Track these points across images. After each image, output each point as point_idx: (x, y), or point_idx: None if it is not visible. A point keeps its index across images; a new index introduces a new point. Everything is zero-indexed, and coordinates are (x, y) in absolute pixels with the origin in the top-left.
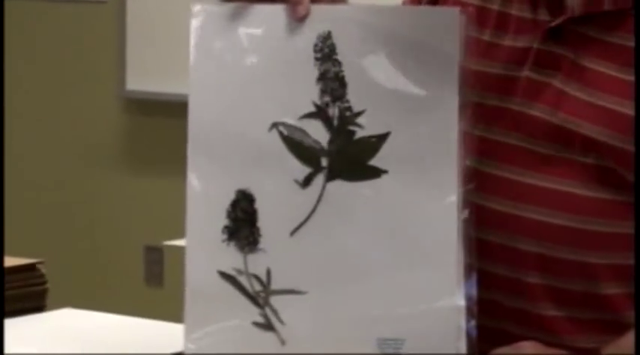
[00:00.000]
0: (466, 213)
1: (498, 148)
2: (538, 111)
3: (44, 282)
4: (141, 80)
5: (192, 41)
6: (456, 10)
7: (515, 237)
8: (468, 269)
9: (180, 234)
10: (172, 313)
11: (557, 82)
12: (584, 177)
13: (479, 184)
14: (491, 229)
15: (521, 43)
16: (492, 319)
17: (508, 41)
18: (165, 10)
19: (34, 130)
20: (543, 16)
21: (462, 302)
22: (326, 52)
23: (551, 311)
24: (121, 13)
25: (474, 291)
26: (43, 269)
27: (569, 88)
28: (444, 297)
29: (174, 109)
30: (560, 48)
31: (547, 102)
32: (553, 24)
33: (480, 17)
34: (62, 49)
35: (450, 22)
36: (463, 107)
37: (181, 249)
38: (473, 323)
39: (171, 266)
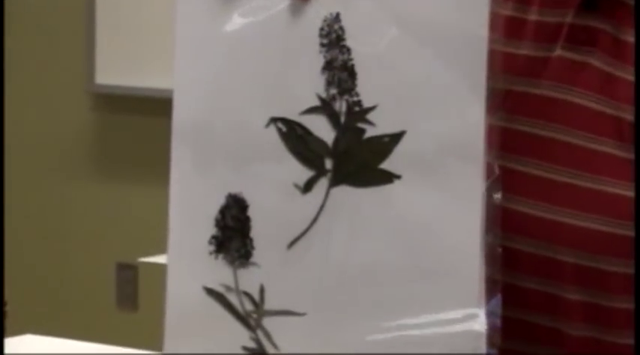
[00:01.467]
0: (489, 218)
1: (527, 141)
2: (575, 97)
3: (3, 305)
4: (112, 73)
5: (177, 24)
6: None
7: (549, 246)
8: (492, 286)
9: (157, 249)
10: (148, 339)
11: (595, 61)
12: (632, 175)
13: (504, 184)
14: (520, 236)
15: (550, 17)
16: (522, 341)
17: (534, 15)
18: None
19: None
20: None
21: (483, 324)
22: (333, 37)
23: (591, 333)
24: (90, 1)
25: (498, 310)
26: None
27: (612, 68)
28: (464, 320)
29: (151, 106)
30: (597, 21)
31: (586, 85)
32: None
33: None
34: (23, 39)
35: (478, 2)
36: (489, 97)
37: (158, 266)
38: (497, 346)
39: (147, 287)
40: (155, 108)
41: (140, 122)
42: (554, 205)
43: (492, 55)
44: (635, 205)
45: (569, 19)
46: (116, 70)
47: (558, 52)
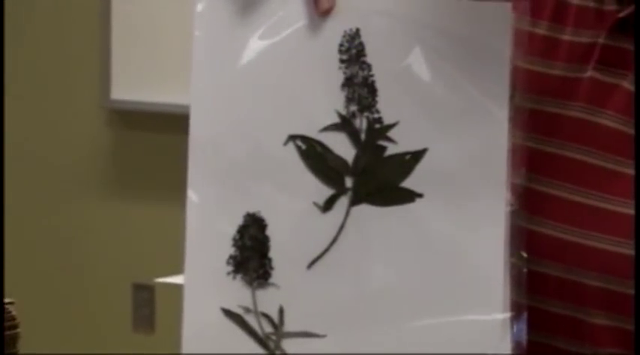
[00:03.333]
0: (514, 239)
1: (556, 163)
2: (606, 119)
3: (15, 326)
4: (127, 88)
5: (194, 41)
6: (508, 5)
7: (576, 270)
8: (517, 310)
9: (174, 270)
10: None
11: (627, 84)
12: None
13: (531, 206)
14: (547, 260)
15: (584, 37)
16: None
17: (568, 36)
18: (154, 9)
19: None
20: (610, 5)
21: (509, 347)
22: (353, 52)
23: None
24: (105, 13)
25: (523, 336)
26: (14, 311)
27: None
28: (487, 344)
29: (168, 122)
30: (630, 43)
31: (617, 108)
32: (622, 14)
33: (533, 6)
34: (38, 53)
35: (501, 19)
36: (514, 115)
37: (175, 287)
38: None
39: (164, 308)
40: (172, 124)
41: (157, 138)
42: (581, 229)
43: (521, 73)
44: (635, 212)
45: (602, 40)
46: (132, 85)
47: (590, 73)
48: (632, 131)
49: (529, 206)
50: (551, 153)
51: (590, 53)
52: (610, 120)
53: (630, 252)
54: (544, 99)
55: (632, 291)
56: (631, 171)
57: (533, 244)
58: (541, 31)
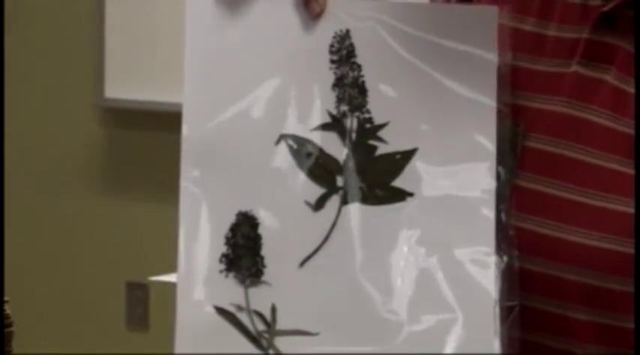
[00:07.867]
0: (505, 238)
1: (538, 158)
2: (589, 114)
3: (9, 325)
4: (121, 87)
5: (186, 40)
6: (494, 8)
7: (559, 265)
8: (509, 309)
9: (168, 268)
10: None
11: (611, 78)
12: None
13: (514, 201)
14: (530, 255)
15: (568, 33)
16: None
17: (553, 31)
18: (148, 8)
19: None
20: (595, 0)
21: (498, 348)
22: (344, 53)
23: None
24: (99, 12)
25: (515, 334)
26: (8, 310)
27: (626, 86)
28: (479, 345)
29: (161, 120)
30: (613, 37)
31: (601, 102)
32: (606, 9)
33: (521, 3)
34: (32, 52)
35: (487, 23)
36: (500, 113)
37: (169, 285)
38: None
39: (158, 307)
40: (166, 122)
41: (150, 137)
42: (563, 223)
43: (507, 69)
44: (635, 214)
45: (585, 34)
46: (126, 83)
47: (574, 68)
48: (615, 125)
49: (513, 202)
50: (534, 149)
51: (575, 48)
52: (593, 115)
53: (612, 246)
54: (527, 95)
55: (614, 286)
56: (614, 166)
57: (516, 240)
58: (527, 27)
